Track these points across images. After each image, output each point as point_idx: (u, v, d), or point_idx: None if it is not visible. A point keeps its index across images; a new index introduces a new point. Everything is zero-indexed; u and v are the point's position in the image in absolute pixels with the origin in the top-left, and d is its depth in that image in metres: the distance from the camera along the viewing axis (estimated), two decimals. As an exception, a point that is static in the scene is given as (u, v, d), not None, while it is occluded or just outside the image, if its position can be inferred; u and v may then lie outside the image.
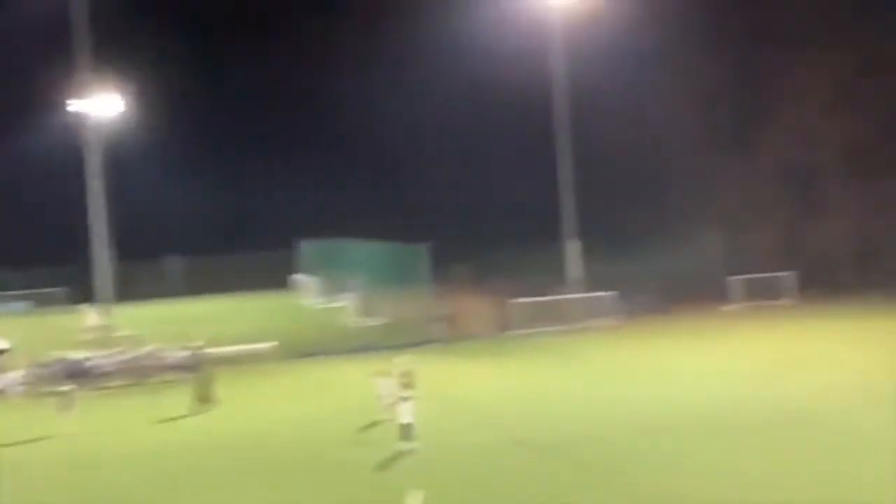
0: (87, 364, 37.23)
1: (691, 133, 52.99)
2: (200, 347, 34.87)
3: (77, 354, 38.21)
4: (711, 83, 52.47)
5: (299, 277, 64.45)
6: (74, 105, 49.97)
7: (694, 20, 52.02)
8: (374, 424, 25.84)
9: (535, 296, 45.20)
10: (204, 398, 31.30)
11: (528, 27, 48.79)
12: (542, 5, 47.53)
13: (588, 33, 47.99)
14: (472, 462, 22.64)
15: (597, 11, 47.59)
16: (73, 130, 50.99)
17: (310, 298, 58.81)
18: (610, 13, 48.52)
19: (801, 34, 51.34)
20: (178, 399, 31.81)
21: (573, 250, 48.19)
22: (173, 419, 29.97)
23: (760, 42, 52.40)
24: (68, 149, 51.85)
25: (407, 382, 24.06)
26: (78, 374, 35.77)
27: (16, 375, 36.35)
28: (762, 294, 48.15)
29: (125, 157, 55.17)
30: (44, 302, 64.72)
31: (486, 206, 51.81)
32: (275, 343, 41.14)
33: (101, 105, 50.14)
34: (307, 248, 65.27)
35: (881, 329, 38.67)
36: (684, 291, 48.47)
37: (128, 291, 55.81)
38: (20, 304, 64.70)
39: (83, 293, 53.88)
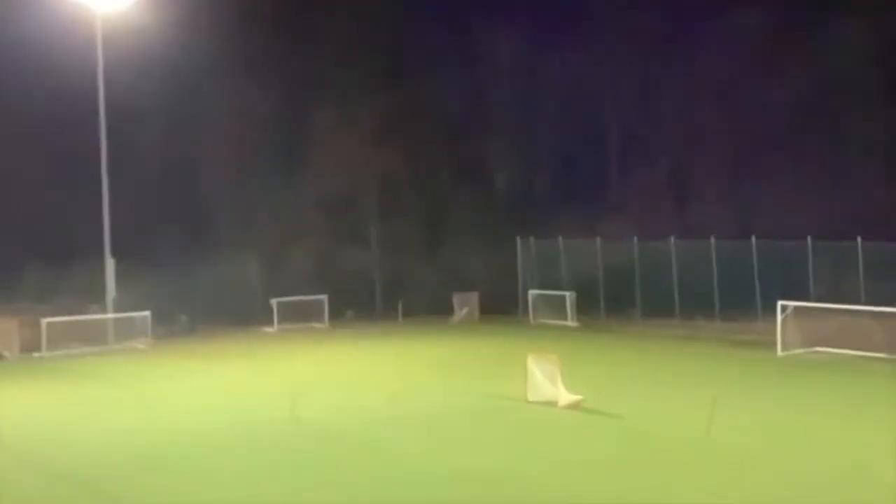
0: None
1: (236, 157, 53.80)
2: None
3: None
4: (261, 110, 53.66)
5: None
6: None
7: (246, 47, 52.86)
8: None
9: (67, 315, 43.48)
10: None
11: (68, 34, 46.62)
12: (85, 13, 45.81)
13: (133, 48, 46.94)
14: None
15: (143, 26, 46.83)
16: None
17: None
18: (157, 30, 47.85)
19: (346, 75, 54.36)
20: None
21: (110, 269, 46.64)
22: None
23: (309, 74, 54.60)
24: None
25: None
26: None
27: None
28: (299, 317, 50.25)
29: None
30: None
31: (14, 220, 48.35)
32: None
33: None
34: None
35: (401, 350, 42.36)
36: (226, 313, 49.18)
37: None
38: None
39: None
